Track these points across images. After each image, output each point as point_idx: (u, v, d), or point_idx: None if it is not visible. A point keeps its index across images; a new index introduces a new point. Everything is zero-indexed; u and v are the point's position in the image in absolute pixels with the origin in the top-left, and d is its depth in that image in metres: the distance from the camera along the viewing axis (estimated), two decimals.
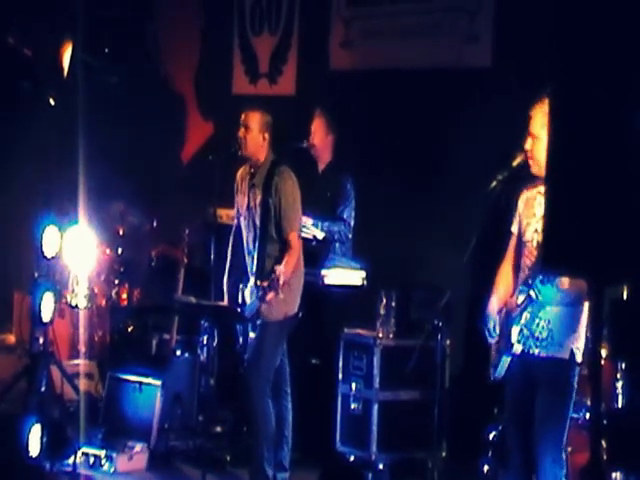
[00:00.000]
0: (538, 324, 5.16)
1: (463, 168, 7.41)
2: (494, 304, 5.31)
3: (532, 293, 5.16)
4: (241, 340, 6.54)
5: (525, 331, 5.17)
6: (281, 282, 5.98)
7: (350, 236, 7.39)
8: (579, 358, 5.14)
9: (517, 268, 5.28)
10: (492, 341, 5.31)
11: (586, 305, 5.13)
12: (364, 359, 6.90)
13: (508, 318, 5.23)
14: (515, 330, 5.17)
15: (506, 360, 5.21)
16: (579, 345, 5.15)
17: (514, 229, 5.32)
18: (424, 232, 7.61)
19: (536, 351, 5.16)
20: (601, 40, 3.29)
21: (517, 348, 5.16)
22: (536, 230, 5.17)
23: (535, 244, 5.18)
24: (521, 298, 5.18)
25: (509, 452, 5.33)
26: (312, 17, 8.69)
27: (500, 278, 5.37)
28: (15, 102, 9.32)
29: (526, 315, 5.17)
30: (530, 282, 5.16)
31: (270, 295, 6.07)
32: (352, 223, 7.40)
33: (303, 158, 7.48)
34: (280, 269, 6.05)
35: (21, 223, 7.55)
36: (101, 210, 8.53)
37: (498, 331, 5.26)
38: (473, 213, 6.04)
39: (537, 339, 5.16)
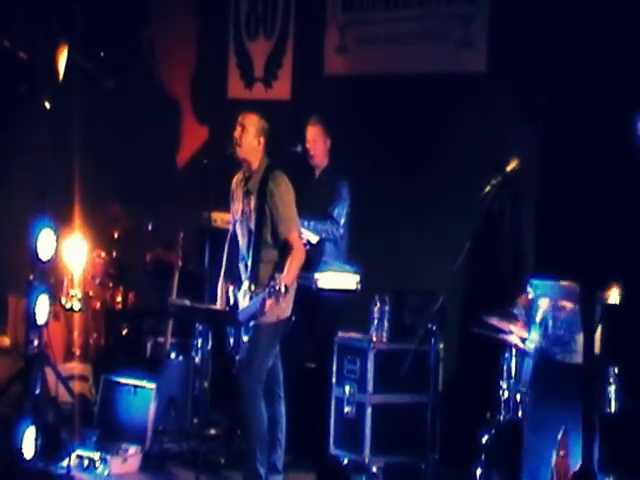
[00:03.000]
0: (554, 325, 5.09)
1: (457, 173, 7.44)
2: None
3: (529, 289, 5.15)
4: (232, 342, 6.55)
5: (542, 332, 5.12)
6: (282, 290, 5.98)
7: (340, 234, 7.39)
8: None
9: None
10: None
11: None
12: (358, 363, 6.91)
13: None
14: (534, 331, 5.14)
15: (528, 363, 5.17)
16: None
17: None
18: (418, 236, 7.63)
19: (558, 356, 5.09)
20: (596, 43, 3.32)
21: (530, 347, 5.10)
22: None
23: None
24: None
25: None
26: (307, 22, 8.71)
27: None
28: (11, 105, 9.34)
29: (541, 314, 5.13)
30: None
31: (269, 303, 6.08)
32: (342, 222, 7.39)
33: (297, 162, 7.50)
34: (281, 277, 6.06)
35: (16, 226, 7.56)
36: (96, 213, 8.55)
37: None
38: (467, 218, 6.07)
39: (555, 340, 5.09)
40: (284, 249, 6.38)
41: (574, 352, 5.04)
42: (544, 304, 5.10)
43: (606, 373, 5.80)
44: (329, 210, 7.38)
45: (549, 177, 3.35)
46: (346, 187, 7.44)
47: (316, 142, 7.52)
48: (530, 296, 5.13)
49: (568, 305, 5.03)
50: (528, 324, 5.15)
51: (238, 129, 6.53)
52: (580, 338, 5.06)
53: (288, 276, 6.16)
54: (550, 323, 5.10)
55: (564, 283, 4.86)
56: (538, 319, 5.11)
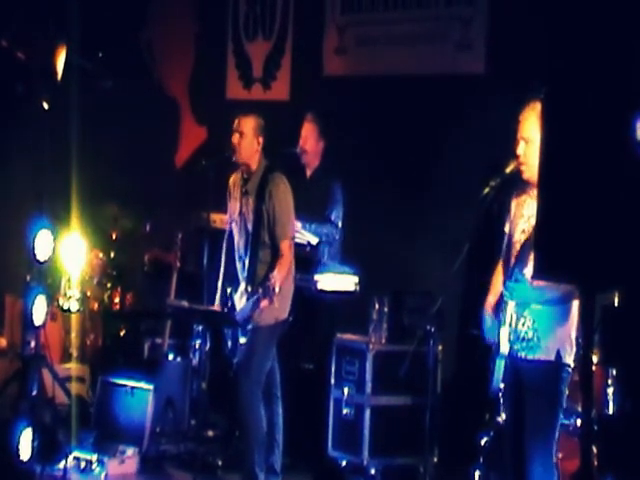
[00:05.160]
0: (524, 323, 5.14)
1: (456, 175, 7.43)
2: (489, 304, 5.32)
3: (504, 292, 5.18)
4: (230, 344, 6.55)
5: (512, 332, 5.17)
6: (276, 290, 5.99)
7: (337, 237, 7.40)
8: (567, 360, 5.11)
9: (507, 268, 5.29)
10: (491, 341, 5.29)
11: (574, 304, 5.10)
12: (356, 364, 6.90)
13: (497, 319, 5.25)
14: (504, 331, 5.18)
15: (500, 364, 5.21)
16: (566, 346, 5.10)
17: (507, 229, 5.35)
18: (417, 238, 7.62)
19: (523, 354, 5.15)
20: (596, 43, 3.30)
21: (504, 348, 5.15)
22: (523, 230, 5.19)
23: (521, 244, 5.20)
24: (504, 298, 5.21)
25: (505, 459, 5.33)
26: (306, 23, 8.70)
27: (495, 278, 5.38)
28: (8, 105, 9.31)
29: (512, 315, 5.17)
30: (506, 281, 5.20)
31: (264, 303, 6.09)
32: (340, 224, 7.40)
33: (293, 163, 7.49)
34: (275, 277, 6.06)
35: (13, 226, 7.55)
36: (94, 214, 8.53)
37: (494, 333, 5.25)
38: (466, 220, 6.05)
39: (523, 340, 5.14)
40: (275, 251, 6.37)
41: (539, 348, 5.08)
42: (511, 304, 5.15)
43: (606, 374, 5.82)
44: (327, 213, 7.37)
45: (548, 178, 3.34)
46: (340, 188, 7.44)
47: (308, 139, 7.51)
48: (505, 299, 5.17)
49: (537, 306, 5.09)
50: (498, 325, 5.19)
51: (236, 135, 6.49)
52: (548, 338, 5.08)
53: (277, 279, 6.15)
54: (514, 321, 5.14)
55: (537, 284, 4.92)
56: (507, 319, 5.15)
